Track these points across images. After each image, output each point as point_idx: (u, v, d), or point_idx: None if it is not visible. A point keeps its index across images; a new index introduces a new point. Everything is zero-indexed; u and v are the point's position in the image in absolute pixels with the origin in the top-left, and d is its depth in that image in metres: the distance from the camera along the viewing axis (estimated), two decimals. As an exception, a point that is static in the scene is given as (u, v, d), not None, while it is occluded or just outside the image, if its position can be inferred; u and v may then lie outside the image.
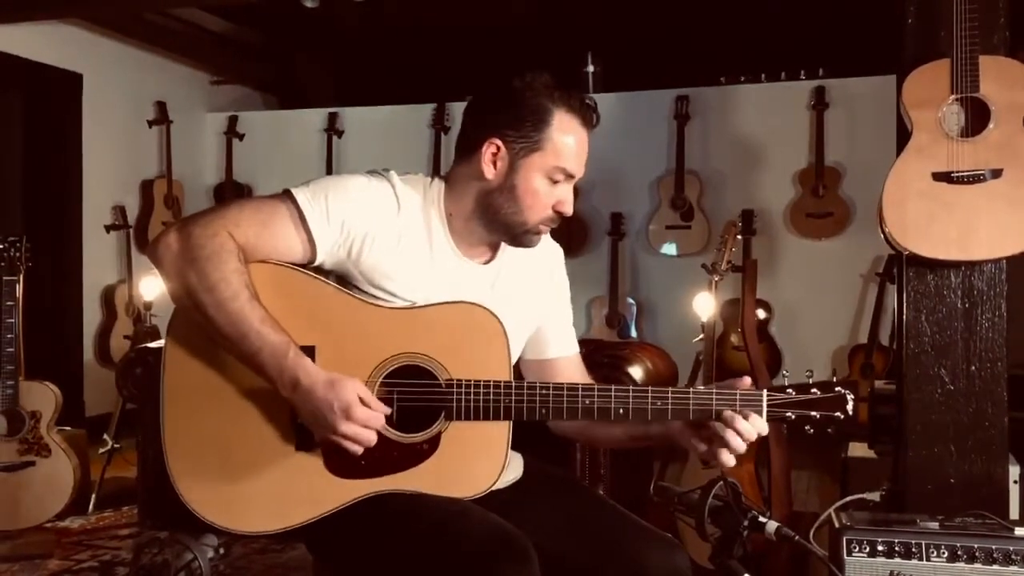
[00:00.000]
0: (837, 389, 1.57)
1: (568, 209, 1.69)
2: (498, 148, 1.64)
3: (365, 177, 1.68)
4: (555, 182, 1.66)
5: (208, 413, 1.60)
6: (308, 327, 1.58)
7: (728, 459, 1.57)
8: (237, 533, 1.63)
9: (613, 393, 1.59)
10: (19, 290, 3.62)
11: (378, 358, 1.59)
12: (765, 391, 1.58)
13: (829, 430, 1.57)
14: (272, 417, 1.59)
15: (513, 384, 1.60)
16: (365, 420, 1.52)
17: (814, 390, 1.57)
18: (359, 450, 1.53)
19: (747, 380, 1.61)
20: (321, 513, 1.59)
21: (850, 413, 1.57)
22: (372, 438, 1.53)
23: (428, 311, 1.63)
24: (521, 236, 1.70)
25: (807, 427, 1.58)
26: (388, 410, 1.56)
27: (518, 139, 1.63)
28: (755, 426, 1.57)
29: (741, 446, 1.56)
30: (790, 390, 1.58)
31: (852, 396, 1.57)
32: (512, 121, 1.64)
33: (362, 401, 1.52)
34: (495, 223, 1.69)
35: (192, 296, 1.54)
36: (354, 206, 1.63)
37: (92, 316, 5.75)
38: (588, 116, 1.67)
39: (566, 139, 1.64)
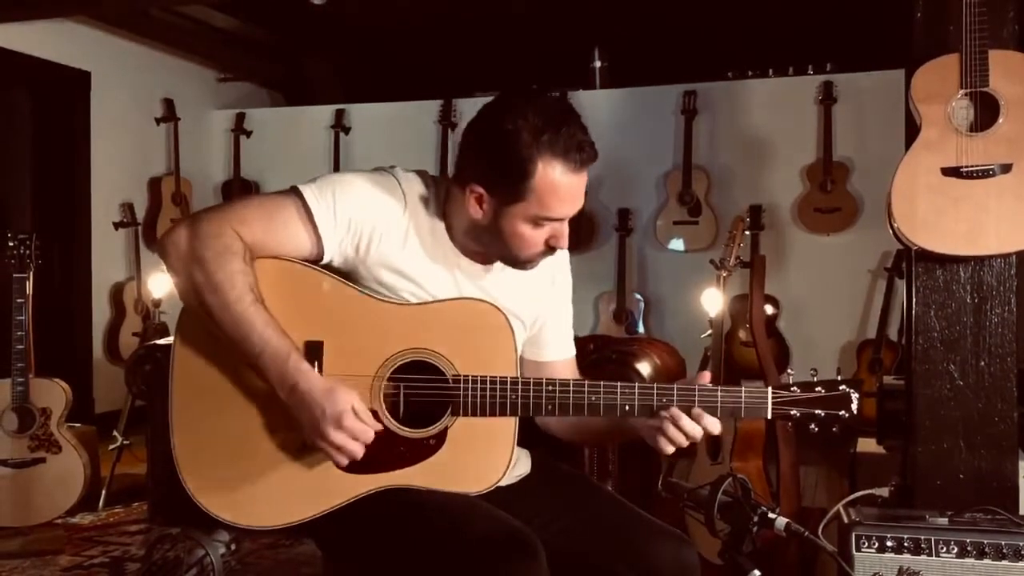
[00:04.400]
0: (842, 388, 1.57)
1: (561, 243, 1.65)
2: (481, 195, 1.61)
3: (371, 174, 1.69)
4: (542, 226, 1.62)
5: (216, 409, 1.61)
6: (316, 322, 1.59)
7: (667, 448, 1.58)
8: (245, 528, 1.63)
9: (619, 389, 1.59)
10: (29, 287, 3.63)
11: (386, 353, 1.60)
12: (770, 389, 1.58)
13: (834, 429, 1.57)
14: (280, 412, 1.59)
15: (520, 380, 1.60)
16: (355, 431, 1.51)
17: (818, 388, 1.56)
18: (344, 461, 1.53)
19: (707, 375, 1.61)
20: (327, 508, 1.59)
21: (855, 412, 1.56)
22: (359, 451, 1.52)
23: (435, 307, 1.64)
24: (515, 265, 1.70)
25: (812, 426, 1.57)
26: (379, 426, 1.56)
27: (501, 188, 1.59)
28: (705, 425, 1.57)
29: (682, 440, 1.58)
30: (795, 388, 1.57)
31: (857, 395, 1.56)
32: (495, 169, 1.58)
33: (355, 412, 1.52)
34: (489, 250, 1.69)
35: (198, 295, 1.55)
36: (361, 203, 1.63)
37: (101, 313, 5.77)
38: (575, 159, 1.56)
39: (550, 189, 1.56)
